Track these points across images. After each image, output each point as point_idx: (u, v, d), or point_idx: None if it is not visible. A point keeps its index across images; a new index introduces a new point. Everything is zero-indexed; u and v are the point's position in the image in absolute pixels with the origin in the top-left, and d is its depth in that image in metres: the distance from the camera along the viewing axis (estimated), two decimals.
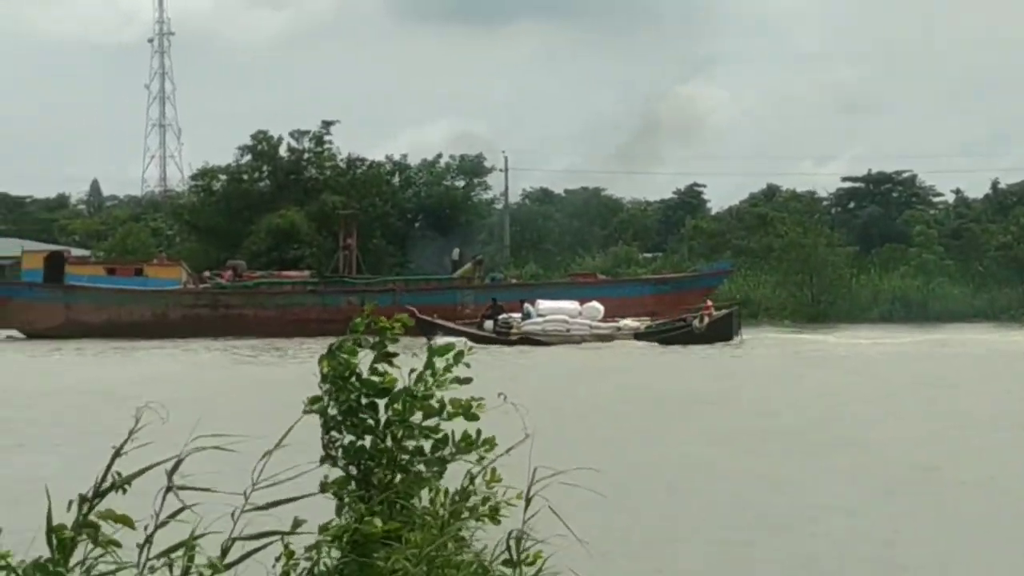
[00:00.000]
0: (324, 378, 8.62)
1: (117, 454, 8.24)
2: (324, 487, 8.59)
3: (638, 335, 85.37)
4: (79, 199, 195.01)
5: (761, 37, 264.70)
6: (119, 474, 8.13)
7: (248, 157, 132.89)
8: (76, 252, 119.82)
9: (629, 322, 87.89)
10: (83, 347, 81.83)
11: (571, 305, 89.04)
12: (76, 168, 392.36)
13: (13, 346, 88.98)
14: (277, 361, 68.05)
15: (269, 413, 8.90)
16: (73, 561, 8.00)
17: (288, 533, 8.30)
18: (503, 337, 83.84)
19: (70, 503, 8.24)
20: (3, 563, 8.40)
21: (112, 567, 8.06)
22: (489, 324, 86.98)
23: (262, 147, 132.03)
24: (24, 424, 38.53)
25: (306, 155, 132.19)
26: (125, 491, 8.12)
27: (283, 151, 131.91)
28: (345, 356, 8.61)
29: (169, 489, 8.28)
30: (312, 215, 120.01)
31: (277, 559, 8.32)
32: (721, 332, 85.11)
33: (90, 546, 8.06)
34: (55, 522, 8.16)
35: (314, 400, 8.62)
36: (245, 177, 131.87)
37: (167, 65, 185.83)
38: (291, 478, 8.38)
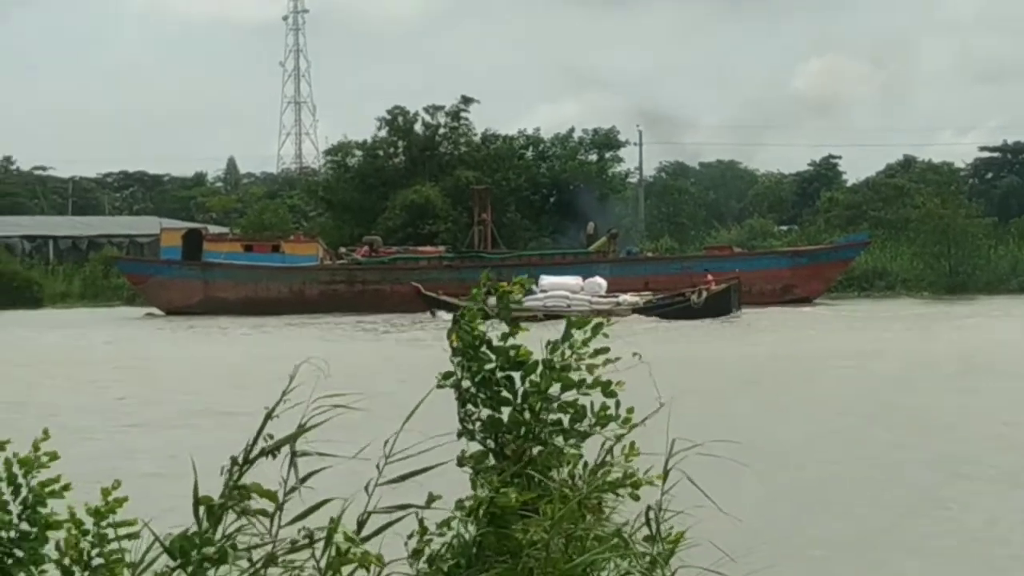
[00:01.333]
0: (455, 351, 8.63)
1: (268, 417, 8.28)
2: (461, 461, 8.58)
3: (637, 310, 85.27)
4: (216, 177, 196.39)
5: (900, 9, 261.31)
6: (270, 436, 8.19)
7: (384, 132, 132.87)
8: (213, 229, 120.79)
9: (628, 297, 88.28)
10: (224, 324, 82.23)
11: (573, 280, 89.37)
12: (213, 146, 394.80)
13: (155, 323, 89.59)
14: (414, 337, 68.04)
15: (405, 388, 8.88)
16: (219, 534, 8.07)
17: (423, 507, 8.31)
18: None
19: (222, 468, 8.27)
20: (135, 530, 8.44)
21: (255, 539, 8.14)
22: (492, 300, 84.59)
23: (397, 123, 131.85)
24: (171, 400, 38.78)
25: (441, 130, 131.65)
26: (274, 456, 8.16)
27: (418, 127, 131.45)
28: (471, 326, 8.66)
29: (294, 457, 8.33)
30: (447, 190, 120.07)
31: (410, 536, 8.30)
32: (720, 306, 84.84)
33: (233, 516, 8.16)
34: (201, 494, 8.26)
35: (447, 375, 8.67)
36: (380, 153, 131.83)
37: (301, 43, 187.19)
38: (422, 452, 8.38)
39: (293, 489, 8.23)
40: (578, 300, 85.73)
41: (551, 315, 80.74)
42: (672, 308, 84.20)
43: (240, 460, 8.49)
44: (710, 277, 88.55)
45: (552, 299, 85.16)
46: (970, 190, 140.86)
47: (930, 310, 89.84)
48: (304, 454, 8.28)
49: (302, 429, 8.29)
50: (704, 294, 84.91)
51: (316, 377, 8.57)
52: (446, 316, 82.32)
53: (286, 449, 8.41)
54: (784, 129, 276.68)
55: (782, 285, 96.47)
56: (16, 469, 8.00)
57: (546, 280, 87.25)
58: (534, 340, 8.80)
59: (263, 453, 8.42)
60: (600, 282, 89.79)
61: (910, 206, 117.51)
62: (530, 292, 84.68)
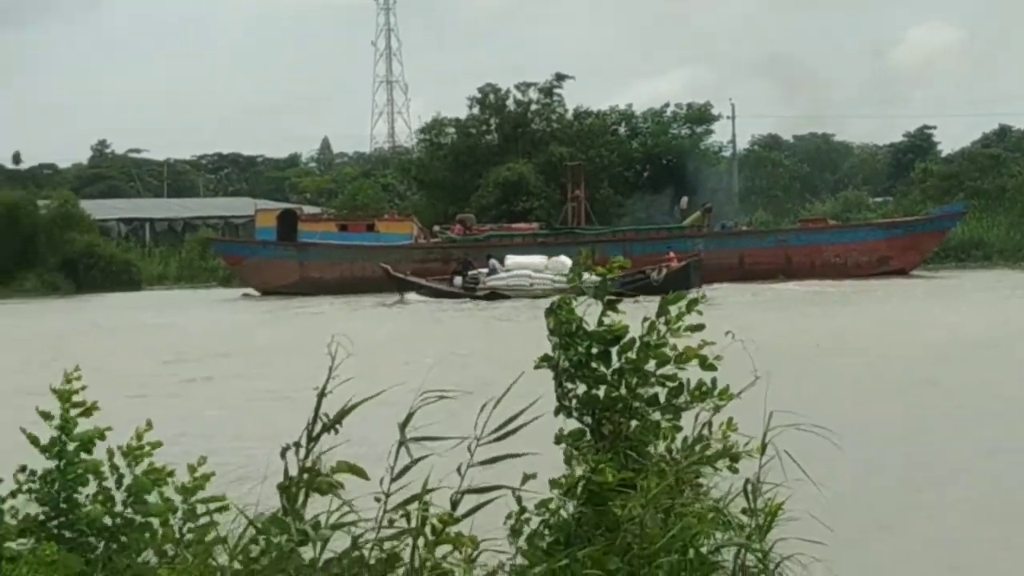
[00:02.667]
0: (552, 331, 8.66)
1: (322, 394, 8.39)
2: (559, 438, 8.63)
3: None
4: (310, 157, 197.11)
5: None
6: (327, 415, 8.27)
7: (475, 111, 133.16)
8: (308, 209, 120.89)
9: (589, 276, 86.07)
10: (320, 303, 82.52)
11: (538, 260, 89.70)
12: (306, 127, 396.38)
13: (255, 304, 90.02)
14: (504, 315, 68.10)
15: (503, 365, 8.91)
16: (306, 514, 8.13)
17: (517, 489, 8.34)
18: (470, 292, 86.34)
19: (287, 447, 8.34)
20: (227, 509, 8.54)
21: (351, 517, 8.21)
22: (459, 280, 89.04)
23: (489, 100, 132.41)
24: (264, 377, 38.84)
25: (533, 107, 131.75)
26: (337, 431, 8.24)
27: (510, 104, 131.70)
28: (567, 311, 8.79)
29: (402, 442, 8.37)
30: (540, 167, 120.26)
31: (508, 516, 8.34)
32: (679, 283, 79.41)
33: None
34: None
35: (544, 358, 8.82)
36: (472, 131, 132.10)
37: (392, 22, 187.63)
38: (513, 431, 8.39)
39: (405, 469, 8.32)
40: (540, 279, 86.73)
41: (513, 292, 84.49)
42: (633, 285, 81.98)
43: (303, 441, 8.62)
44: (672, 255, 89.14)
45: (515, 278, 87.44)
46: None
47: None
48: (414, 440, 8.39)
49: (408, 416, 8.40)
50: (664, 271, 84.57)
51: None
52: (417, 298, 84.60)
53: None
54: (879, 101, 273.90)
55: (878, 257, 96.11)
56: (118, 460, 8.18)
57: (511, 260, 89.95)
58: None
59: (325, 428, 8.53)
60: (565, 261, 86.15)
61: (1006, 175, 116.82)
62: (493, 271, 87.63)
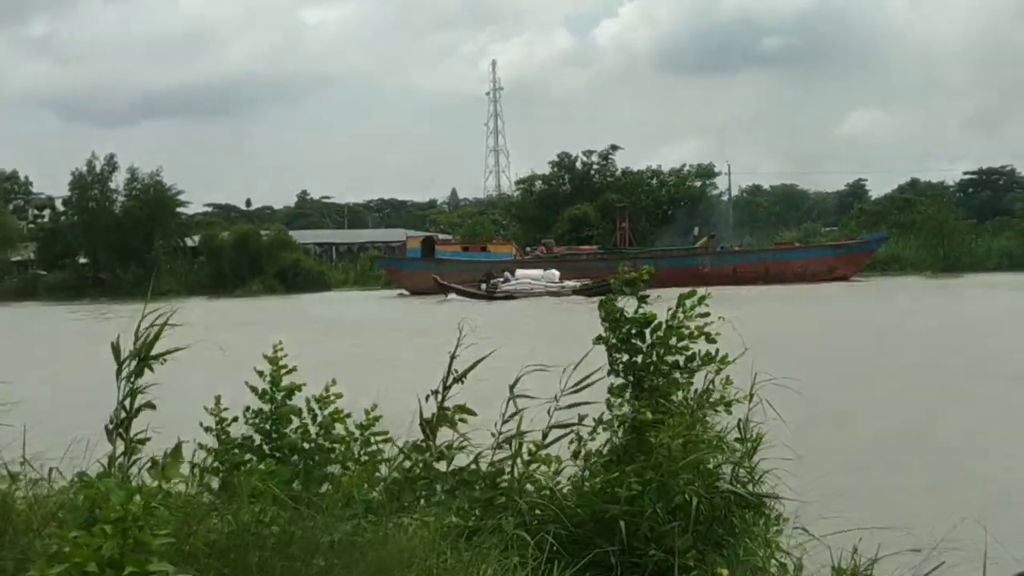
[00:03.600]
0: (604, 317, 8.86)
1: (452, 357, 8.56)
2: (611, 390, 8.80)
3: (576, 291, 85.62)
4: (443, 201, 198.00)
5: (911, 75, 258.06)
6: (457, 370, 8.47)
7: (554, 169, 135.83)
8: (441, 237, 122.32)
9: (570, 283, 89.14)
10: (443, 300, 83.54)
11: (537, 272, 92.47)
12: (441, 180, 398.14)
13: (406, 300, 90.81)
14: (567, 308, 68.09)
15: (572, 343, 8.93)
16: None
17: (580, 424, 8.54)
18: (491, 294, 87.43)
19: (428, 394, 8.51)
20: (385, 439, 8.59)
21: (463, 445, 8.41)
22: (483, 286, 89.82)
23: (564, 162, 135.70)
24: (406, 347, 38.85)
25: (594, 167, 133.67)
26: (463, 382, 8.48)
27: (578, 165, 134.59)
28: (611, 304, 9.24)
29: (512, 396, 8.53)
30: (598, 207, 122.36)
31: (570, 443, 8.47)
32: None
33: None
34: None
35: (599, 338, 9.12)
36: (552, 183, 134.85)
37: (499, 109, 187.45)
38: (578, 388, 8.43)
39: (514, 414, 8.53)
40: (539, 285, 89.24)
41: (518, 294, 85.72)
42: (599, 289, 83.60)
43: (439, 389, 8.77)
44: (628, 268, 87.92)
45: (522, 284, 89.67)
46: (957, 200, 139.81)
47: (931, 283, 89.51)
48: (520, 396, 8.62)
49: (516, 380, 8.44)
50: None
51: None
52: (456, 297, 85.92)
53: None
54: (826, 160, 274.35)
55: (828, 267, 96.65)
56: (314, 404, 8.39)
57: (519, 272, 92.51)
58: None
59: (456, 380, 8.61)
60: (555, 273, 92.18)
61: (915, 212, 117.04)
62: (506, 281, 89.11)
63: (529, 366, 8.90)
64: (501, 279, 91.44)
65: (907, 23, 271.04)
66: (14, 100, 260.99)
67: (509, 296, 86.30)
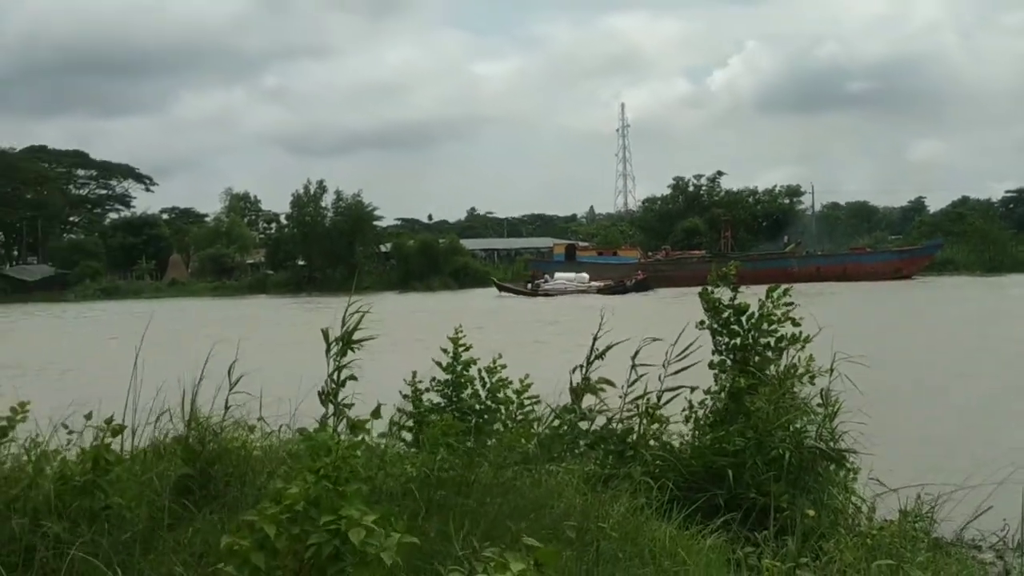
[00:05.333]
0: (705, 308, 8.90)
1: (594, 339, 8.60)
2: (711, 365, 8.81)
3: (599, 290, 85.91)
4: (582, 215, 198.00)
5: (966, 109, 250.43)
6: (598, 348, 8.56)
7: (671, 190, 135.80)
8: (581, 244, 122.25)
9: (595, 283, 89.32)
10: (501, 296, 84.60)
11: (570, 275, 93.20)
12: (581, 198, 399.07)
13: (552, 296, 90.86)
14: (682, 299, 67.58)
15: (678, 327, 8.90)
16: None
17: (689, 388, 8.56)
18: (535, 292, 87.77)
19: (574, 368, 8.56)
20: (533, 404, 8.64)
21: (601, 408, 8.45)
22: (529, 286, 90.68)
23: (679, 185, 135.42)
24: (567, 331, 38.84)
25: (703, 189, 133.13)
26: (603, 358, 8.56)
27: (691, 187, 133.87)
28: (709, 295, 9.10)
29: (633, 366, 8.50)
30: (706, 220, 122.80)
31: (682, 410, 8.50)
32: (641, 288, 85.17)
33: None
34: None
35: (701, 323, 9.08)
36: (670, 202, 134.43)
37: (626, 143, 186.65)
38: (681, 360, 8.40)
39: (634, 381, 8.57)
40: (572, 285, 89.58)
41: (556, 292, 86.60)
42: (617, 288, 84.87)
43: (583, 364, 8.80)
44: (640, 273, 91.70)
45: (558, 284, 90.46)
46: (1002, 214, 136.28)
47: (979, 280, 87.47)
48: (640, 365, 8.68)
49: (636, 352, 8.46)
50: (634, 280, 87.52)
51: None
52: (507, 295, 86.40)
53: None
54: (902, 181, 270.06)
55: (894, 268, 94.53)
56: (484, 374, 8.41)
57: (557, 275, 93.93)
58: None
59: (597, 357, 8.62)
60: (584, 276, 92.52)
61: (965, 224, 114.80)
62: (546, 282, 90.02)
63: (647, 338, 8.95)
64: (543, 280, 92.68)
65: (963, 66, 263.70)
66: (251, 138, 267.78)
67: (547, 293, 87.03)
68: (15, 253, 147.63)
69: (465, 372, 8.59)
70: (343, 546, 4.42)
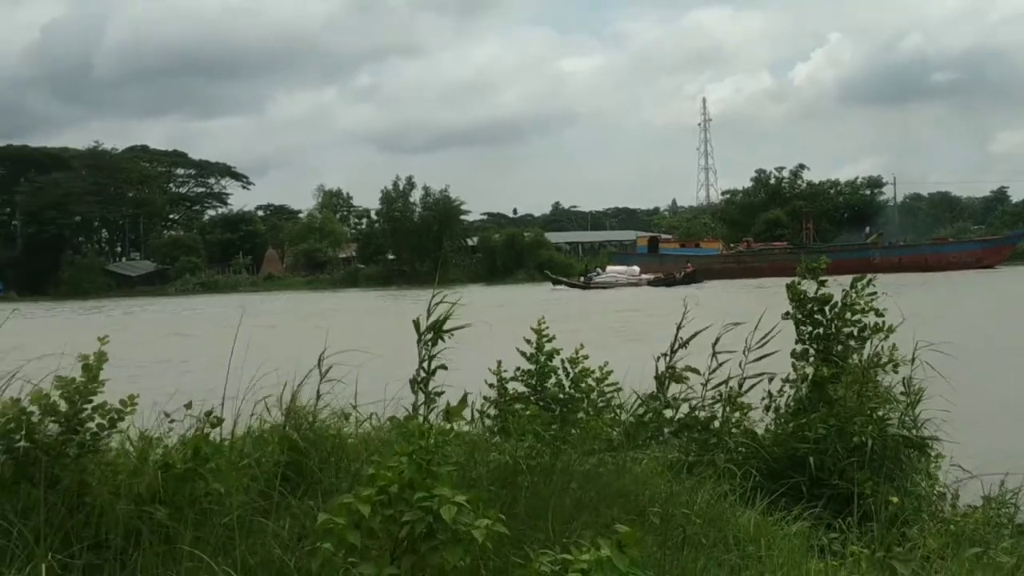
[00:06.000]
0: (791, 299, 8.80)
1: (678, 328, 8.57)
2: (793, 354, 8.72)
3: (649, 282, 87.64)
4: (664, 208, 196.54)
5: None
6: (683, 338, 8.48)
7: (752, 184, 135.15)
8: (664, 236, 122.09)
9: (645, 276, 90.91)
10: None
11: (622, 268, 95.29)
12: (663, 191, 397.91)
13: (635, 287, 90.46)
14: (769, 290, 67.02)
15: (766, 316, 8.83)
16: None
17: (770, 376, 8.47)
18: (587, 285, 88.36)
19: (658, 357, 8.54)
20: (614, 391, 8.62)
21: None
22: (582, 280, 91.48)
23: (761, 178, 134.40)
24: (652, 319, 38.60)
25: (784, 181, 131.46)
26: (686, 347, 8.50)
27: (772, 180, 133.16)
28: (795, 288, 8.92)
29: (714, 354, 8.44)
30: (787, 212, 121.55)
31: (762, 398, 8.41)
32: (691, 280, 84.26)
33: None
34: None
35: (787, 314, 8.95)
36: (751, 195, 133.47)
37: (708, 136, 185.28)
38: (761, 347, 8.33)
39: (715, 369, 8.51)
40: (623, 277, 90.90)
41: (608, 285, 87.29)
42: (666, 280, 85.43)
43: (667, 353, 8.77)
44: (689, 265, 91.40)
45: (610, 276, 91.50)
46: None
47: None
48: (721, 352, 8.60)
49: (717, 339, 8.41)
50: (683, 273, 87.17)
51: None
52: (562, 288, 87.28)
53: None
54: (977, 170, 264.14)
55: (976, 258, 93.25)
56: (568, 366, 8.38)
57: (609, 268, 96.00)
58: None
59: (681, 346, 8.58)
60: (635, 269, 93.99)
61: None
62: (597, 275, 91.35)
63: (727, 324, 8.90)
64: (595, 273, 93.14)
65: None
66: (343, 136, 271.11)
67: (600, 286, 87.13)
68: (118, 249, 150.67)
69: (548, 362, 8.59)
70: (435, 523, 4.46)
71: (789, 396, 8.67)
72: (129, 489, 5.73)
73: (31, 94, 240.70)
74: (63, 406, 5.74)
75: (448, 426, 5.80)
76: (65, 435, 5.74)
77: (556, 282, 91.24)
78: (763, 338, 8.76)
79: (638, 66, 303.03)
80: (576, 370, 8.48)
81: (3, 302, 64.91)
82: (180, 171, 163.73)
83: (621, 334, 31.41)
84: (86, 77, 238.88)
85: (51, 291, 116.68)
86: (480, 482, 6.20)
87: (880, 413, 8.17)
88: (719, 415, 8.53)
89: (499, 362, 8.56)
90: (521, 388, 8.54)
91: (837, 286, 8.93)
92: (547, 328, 8.69)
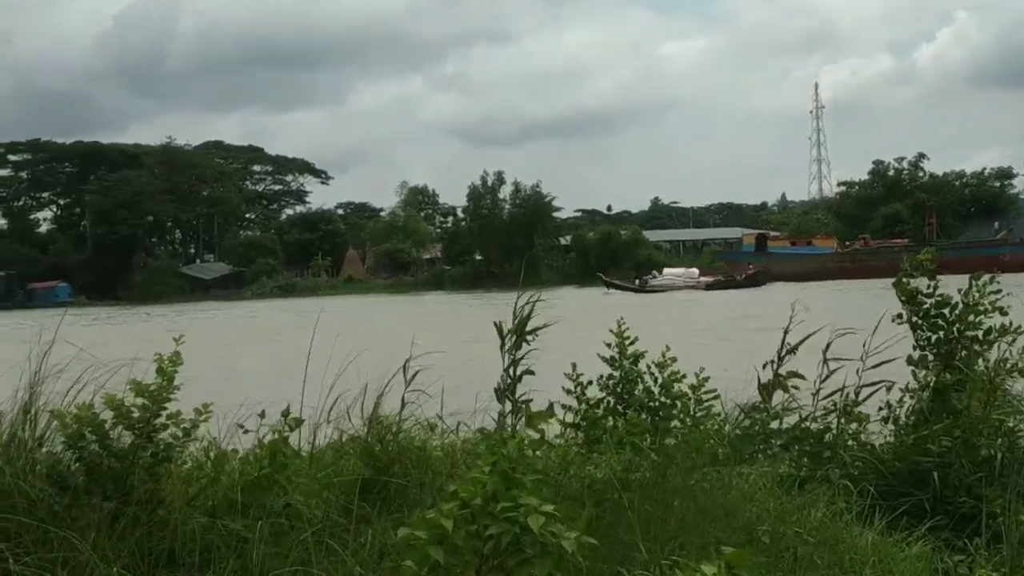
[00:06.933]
0: (901, 299, 8.75)
1: (786, 332, 8.49)
2: (910, 361, 8.57)
3: (708, 285, 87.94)
4: (773, 203, 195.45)
5: None
6: (790, 343, 8.41)
7: (869, 176, 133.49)
8: (773, 233, 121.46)
9: (704, 278, 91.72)
10: (778, 287, 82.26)
11: (678, 270, 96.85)
12: (772, 184, 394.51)
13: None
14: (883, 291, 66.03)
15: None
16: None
17: (888, 384, 8.36)
18: (642, 288, 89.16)
19: (765, 364, 8.45)
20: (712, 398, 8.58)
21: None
22: (637, 282, 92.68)
23: (878, 169, 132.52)
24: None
25: (904, 173, 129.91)
26: (795, 353, 8.42)
27: (891, 171, 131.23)
28: (904, 285, 8.72)
29: (825, 361, 8.36)
30: (908, 206, 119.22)
31: (880, 408, 8.30)
32: (753, 282, 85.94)
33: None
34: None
35: (898, 315, 8.72)
36: (868, 190, 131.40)
37: (821, 124, 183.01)
38: (868, 360, 8.20)
39: (826, 377, 8.41)
40: (680, 280, 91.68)
41: (664, 288, 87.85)
42: (727, 283, 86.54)
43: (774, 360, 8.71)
44: (751, 267, 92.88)
45: (666, 279, 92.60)
46: None
47: None
48: (831, 359, 8.45)
49: (828, 345, 8.30)
50: (745, 275, 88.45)
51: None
52: (614, 291, 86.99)
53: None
54: None
55: None
56: (655, 369, 8.36)
57: (666, 271, 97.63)
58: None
59: (789, 352, 8.50)
60: (694, 271, 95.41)
61: None
62: (654, 277, 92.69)
63: (838, 330, 8.73)
64: (650, 276, 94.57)
65: None
66: (427, 128, 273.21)
67: (655, 289, 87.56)
68: (192, 251, 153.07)
69: (634, 367, 8.53)
70: (523, 535, 4.44)
71: (909, 406, 8.51)
72: (204, 501, 5.83)
73: (102, 86, 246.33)
74: (136, 412, 5.83)
75: (535, 434, 5.80)
76: (139, 441, 5.84)
77: (609, 285, 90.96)
78: (879, 346, 8.60)
79: (743, 48, 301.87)
80: (666, 375, 8.41)
81: (74, 307, 66.32)
82: (256, 167, 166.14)
83: (700, 338, 31.08)
84: (158, 68, 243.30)
85: (122, 295, 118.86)
86: (573, 498, 6.20)
87: (1010, 424, 8.01)
88: (833, 427, 8.38)
89: (573, 364, 8.49)
90: (600, 394, 8.48)
91: (952, 286, 8.79)
92: (627, 329, 8.65)
